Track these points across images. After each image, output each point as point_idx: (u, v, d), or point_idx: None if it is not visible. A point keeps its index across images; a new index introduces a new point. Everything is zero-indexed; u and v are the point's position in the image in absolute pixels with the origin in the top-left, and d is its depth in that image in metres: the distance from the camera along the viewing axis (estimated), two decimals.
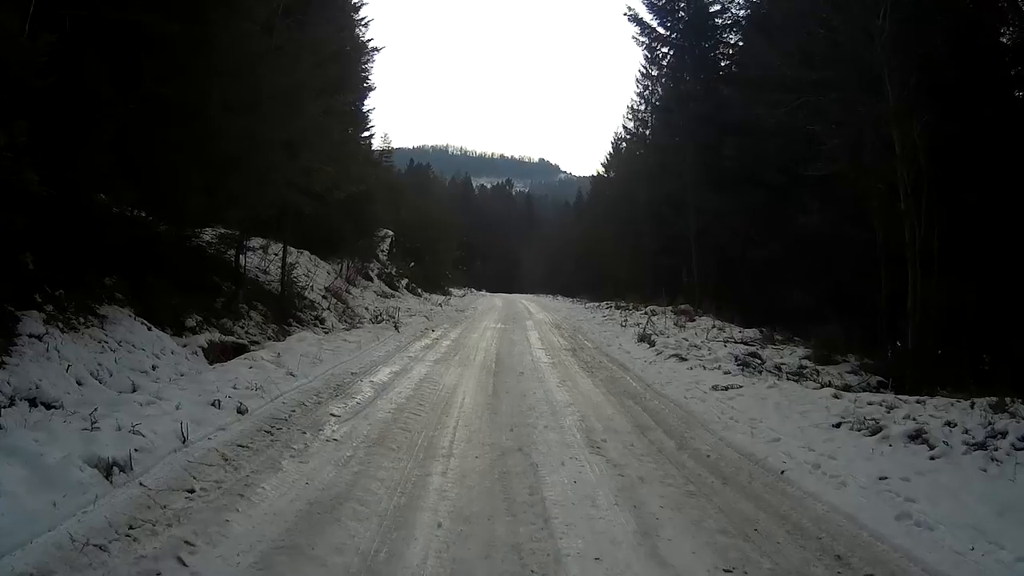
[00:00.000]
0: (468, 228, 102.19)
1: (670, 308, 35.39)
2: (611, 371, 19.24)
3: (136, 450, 8.21)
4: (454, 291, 66.09)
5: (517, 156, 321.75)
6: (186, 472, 8.20)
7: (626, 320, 33.88)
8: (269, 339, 19.07)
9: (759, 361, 19.69)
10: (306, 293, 26.01)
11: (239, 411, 10.84)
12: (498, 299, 66.16)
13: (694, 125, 39.64)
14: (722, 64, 42.27)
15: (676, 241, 41.09)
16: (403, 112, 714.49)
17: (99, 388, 11.03)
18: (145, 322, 14.26)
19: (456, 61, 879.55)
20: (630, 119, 58.46)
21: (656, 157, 46.15)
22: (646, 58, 48.29)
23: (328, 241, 34.65)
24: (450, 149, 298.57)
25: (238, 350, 16.86)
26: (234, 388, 12.09)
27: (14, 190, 10.14)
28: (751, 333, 25.75)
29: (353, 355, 18.18)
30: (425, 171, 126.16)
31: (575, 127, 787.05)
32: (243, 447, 9.42)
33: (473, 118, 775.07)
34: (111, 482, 7.54)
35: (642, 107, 54.75)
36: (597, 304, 50.00)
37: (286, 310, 22.83)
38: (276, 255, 25.62)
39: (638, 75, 52.84)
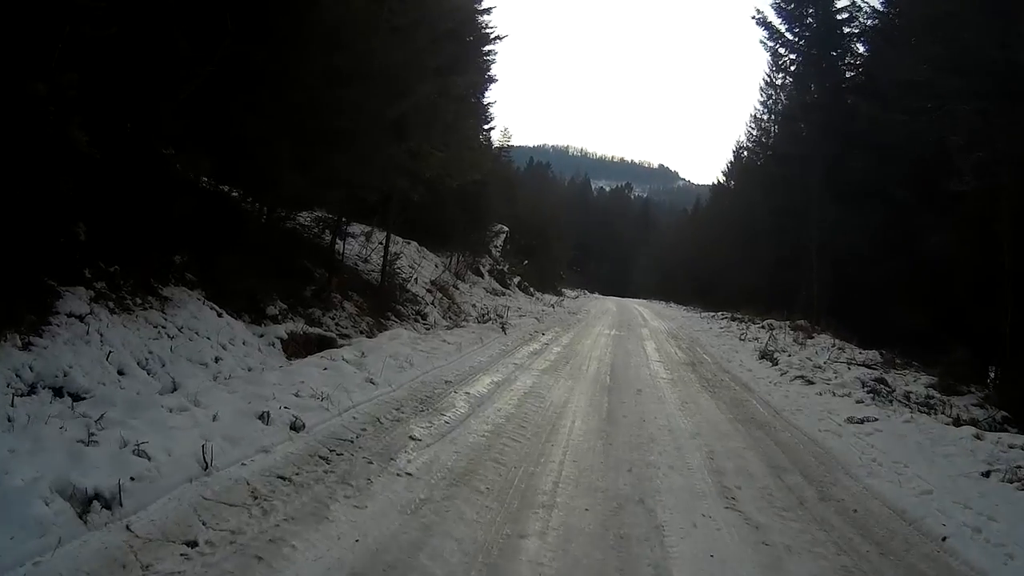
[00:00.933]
0: (584, 229, 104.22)
1: (787, 323, 33.34)
2: (734, 392, 16.85)
3: (133, 478, 6.14)
4: (567, 292, 65.03)
5: (637, 160, 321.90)
6: (194, 513, 6.03)
7: (744, 334, 32.11)
8: (362, 333, 17.49)
9: (887, 388, 17.43)
10: (409, 286, 24.32)
11: (292, 427, 8.56)
12: (611, 303, 64.38)
13: (819, 135, 37.34)
14: (847, 75, 39.85)
15: (795, 254, 38.90)
16: (526, 110, 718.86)
17: (145, 380, 9.32)
18: (216, 307, 12.62)
19: (580, 62, 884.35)
20: (752, 128, 57.07)
21: (779, 166, 43.88)
22: (771, 65, 46.96)
23: (438, 232, 33.17)
24: (570, 150, 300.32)
25: (323, 343, 15.20)
26: (296, 395, 9.91)
27: (58, 148, 8.68)
28: (871, 355, 23.36)
29: (450, 359, 15.91)
30: (544, 169, 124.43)
31: (696, 135, 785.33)
32: (284, 479, 7.16)
33: (595, 120, 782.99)
34: (85, 522, 5.53)
35: (765, 116, 53.97)
36: (712, 314, 47.95)
37: (385, 303, 21.08)
38: (379, 243, 23.91)
39: (762, 83, 53.55)
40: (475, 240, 39.26)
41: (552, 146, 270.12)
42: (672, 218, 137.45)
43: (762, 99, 53.40)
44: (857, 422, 13.62)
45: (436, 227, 32.79)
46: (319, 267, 18.92)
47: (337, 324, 17.11)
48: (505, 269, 44.73)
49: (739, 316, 41.12)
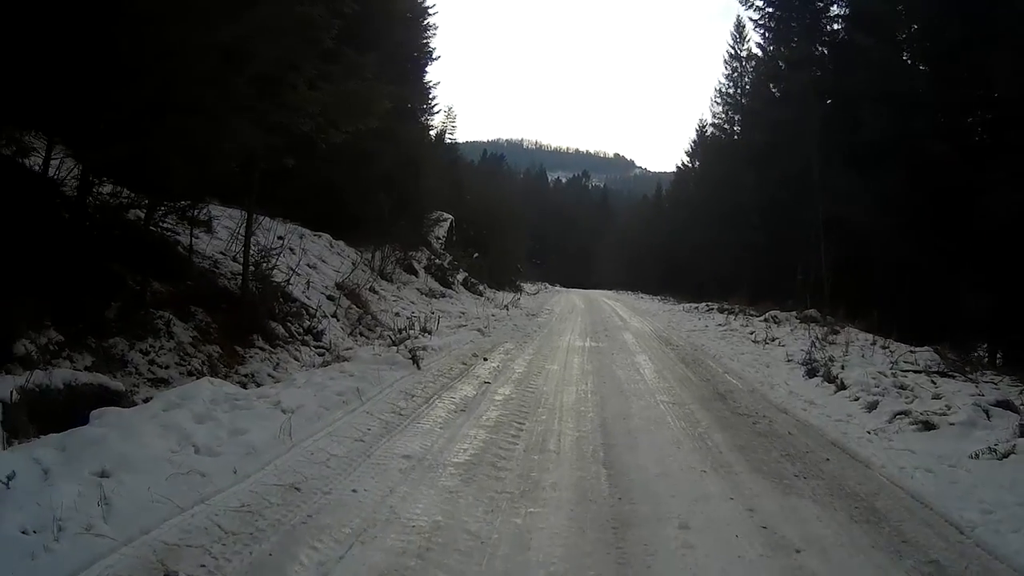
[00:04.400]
0: (542, 221, 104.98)
1: (794, 315, 28.08)
2: (836, 468, 8.95)
3: None
4: (526, 287, 58.27)
5: (592, 151, 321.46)
6: None
7: (753, 332, 25.34)
8: (192, 374, 11.05)
9: (1015, 413, 11.16)
10: (295, 291, 16.70)
11: None
12: (576, 297, 56.95)
13: (811, 93, 32.17)
14: (838, 18, 35.54)
15: (789, 233, 34.05)
16: (478, 106, 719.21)
17: None
18: None
19: (532, 56, 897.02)
20: (719, 102, 55.86)
21: (765, 135, 38.84)
22: (734, 36, 51.24)
23: (358, 222, 26.19)
24: (525, 143, 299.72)
25: (101, 401, 8.45)
26: None
27: None
28: (925, 354, 17.18)
29: (238, 474, 7.02)
30: (498, 161, 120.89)
31: (650, 122, 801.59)
32: None
33: (549, 113, 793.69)
34: None
35: (731, 90, 53.81)
36: (695, 306, 41.32)
37: (251, 319, 14.02)
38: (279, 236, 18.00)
39: (726, 56, 53.23)
40: (407, 231, 31.67)
41: (506, 140, 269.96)
42: (631, 206, 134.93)
43: (727, 72, 53.85)
44: None
45: (356, 216, 26.34)
46: (138, 273, 12.19)
47: (152, 362, 10.89)
48: (446, 264, 35.89)
49: (729, 307, 35.49)
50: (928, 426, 10.77)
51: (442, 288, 30.70)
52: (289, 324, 15.15)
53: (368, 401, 10.44)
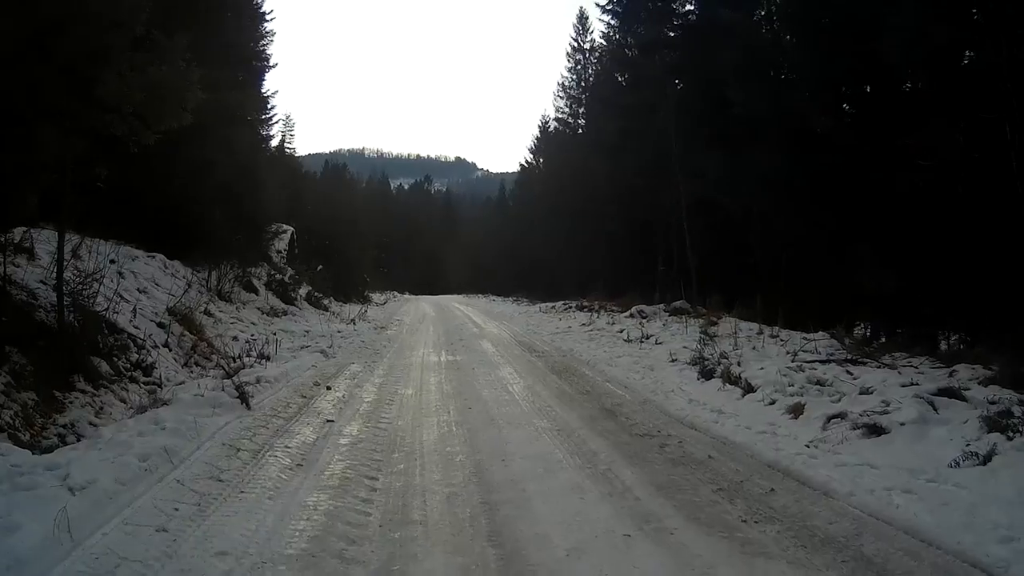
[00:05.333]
0: (387, 229, 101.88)
1: (662, 307, 28.18)
2: (789, 502, 7.21)
3: None
4: (375, 297, 55.67)
5: (434, 155, 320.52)
6: None
7: (623, 330, 23.65)
8: None
9: (962, 402, 10.01)
10: (120, 321, 14.30)
11: None
12: (426, 305, 54.20)
13: (669, 76, 32.42)
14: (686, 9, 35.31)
15: (650, 222, 33.61)
16: (318, 118, 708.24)
17: None
18: None
19: (368, 64, 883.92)
20: (561, 97, 56.97)
21: (616, 123, 37.18)
22: (577, 29, 53.08)
23: (192, 239, 23.51)
24: (366, 152, 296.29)
25: None
26: None
27: None
28: (823, 341, 16.75)
29: None
30: (341, 171, 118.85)
31: (489, 124, 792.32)
32: None
33: (388, 120, 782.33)
34: None
35: (575, 83, 55.04)
36: (551, 306, 40.14)
37: (70, 357, 11.46)
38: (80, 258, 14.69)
39: (568, 49, 54.89)
40: (245, 245, 29.07)
41: (348, 150, 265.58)
42: (476, 209, 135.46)
43: (569, 65, 55.24)
44: None
45: (192, 233, 23.58)
46: None
47: None
48: (287, 279, 33.19)
49: (588, 304, 34.78)
50: (875, 430, 9.24)
51: (284, 305, 28.07)
52: (115, 359, 12.74)
53: (180, 465, 8.10)
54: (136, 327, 14.70)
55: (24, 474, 6.76)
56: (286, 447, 9.29)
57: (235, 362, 14.76)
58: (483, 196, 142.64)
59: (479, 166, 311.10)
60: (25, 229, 14.17)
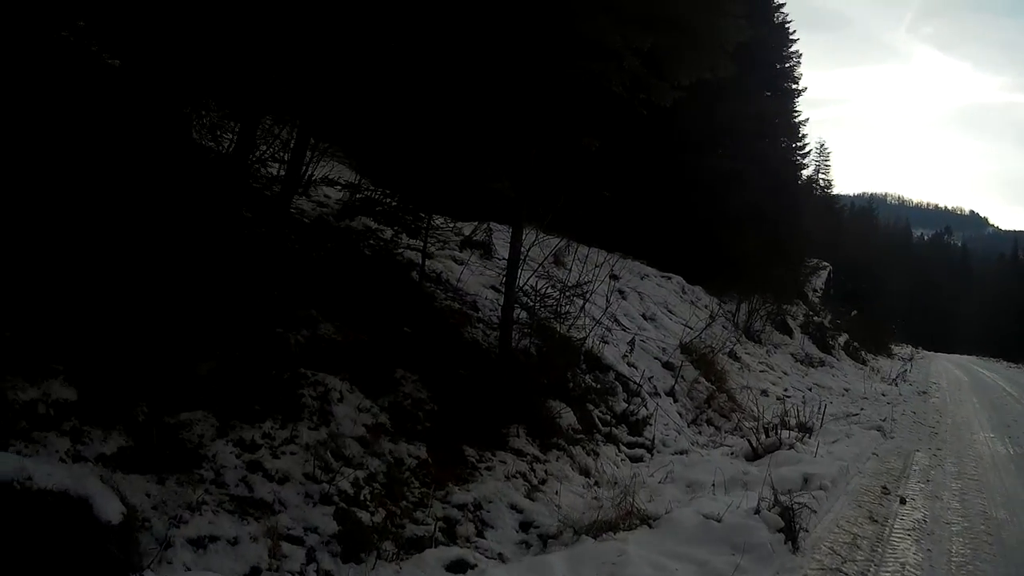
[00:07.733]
0: (902, 278, 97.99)
1: None
2: None
3: None
4: (895, 349, 48.52)
5: (951, 207, 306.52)
6: None
7: None
8: (325, 501, 5.72)
9: None
10: (607, 355, 10.93)
11: None
12: (947, 363, 45.02)
13: None
14: None
15: None
16: (844, 158, 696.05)
17: None
18: None
19: (889, 112, 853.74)
20: None
21: None
22: None
23: (718, 263, 21.04)
24: (888, 198, 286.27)
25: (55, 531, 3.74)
26: None
27: None
28: None
29: None
30: (870, 213, 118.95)
31: (1001, 179, 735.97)
32: None
33: (910, 167, 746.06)
34: None
35: None
36: None
37: (512, 396, 8.32)
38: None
39: None
40: (779, 278, 25.43)
41: (871, 193, 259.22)
42: (987, 266, 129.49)
43: None
44: None
45: (717, 255, 21.20)
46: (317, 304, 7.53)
47: (256, 467, 5.62)
48: (826, 323, 29.08)
49: None
50: None
51: (820, 354, 23.59)
52: (590, 406, 9.61)
53: None
54: (632, 364, 11.70)
55: None
56: None
57: (767, 434, 10.15)
58: (995, 253, 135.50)
59: (991, 221, 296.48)
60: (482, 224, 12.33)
